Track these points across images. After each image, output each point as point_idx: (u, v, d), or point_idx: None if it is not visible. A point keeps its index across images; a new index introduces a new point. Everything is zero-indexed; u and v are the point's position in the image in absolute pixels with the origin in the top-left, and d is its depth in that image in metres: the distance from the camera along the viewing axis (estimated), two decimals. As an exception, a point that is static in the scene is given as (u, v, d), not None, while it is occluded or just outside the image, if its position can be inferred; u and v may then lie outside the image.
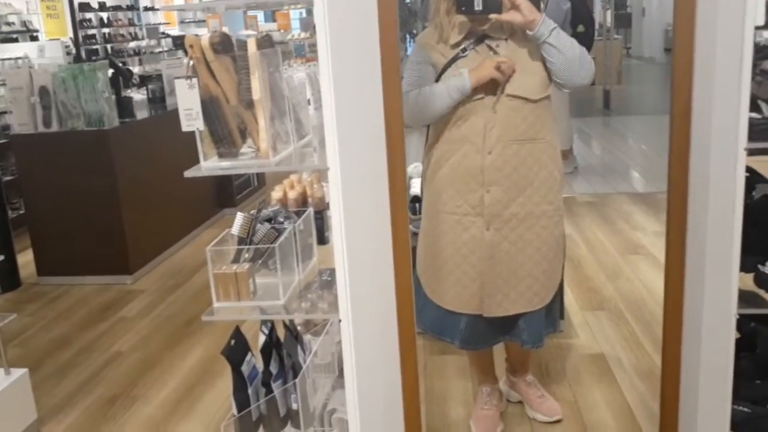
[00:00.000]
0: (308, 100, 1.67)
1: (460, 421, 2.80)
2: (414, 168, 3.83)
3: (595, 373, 3.11)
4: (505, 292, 2.40)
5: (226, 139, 1.49)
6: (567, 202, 5.61)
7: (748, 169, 1.74)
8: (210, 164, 1.50)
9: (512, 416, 2.79)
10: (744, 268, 1.51)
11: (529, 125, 2.31)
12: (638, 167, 7.20)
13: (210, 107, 1.45)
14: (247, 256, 1.64)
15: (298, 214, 1.83)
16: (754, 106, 1.35)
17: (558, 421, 2.72)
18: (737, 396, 1.51)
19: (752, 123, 1.30)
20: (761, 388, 1.61)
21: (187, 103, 1.40)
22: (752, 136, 1.30)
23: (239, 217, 1.66)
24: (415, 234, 2.68)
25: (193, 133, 1.47)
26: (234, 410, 1.69)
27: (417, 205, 3.40)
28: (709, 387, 1.42)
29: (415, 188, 3.56)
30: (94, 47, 11.12)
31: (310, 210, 1.84)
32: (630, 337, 3.42)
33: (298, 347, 1.76)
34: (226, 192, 5.93)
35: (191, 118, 1.40)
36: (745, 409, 1.55)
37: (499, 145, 2.30)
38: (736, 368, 1.48)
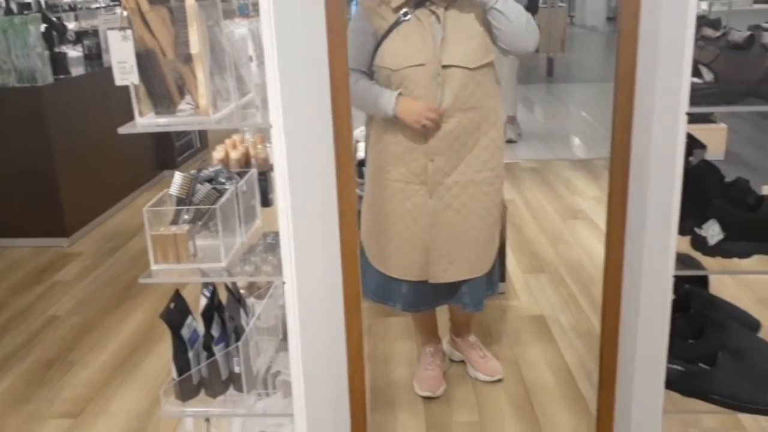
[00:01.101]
0: (250, 57, 1.62)
1: (404, 381, 2.83)
2: (360, 132, 3.80)
3: (536, 334, 3.18)
4: (450, 259, 2.42)
5: (163, 95, 1.43)
6: (510, 168, 5.69)
7: (687, 135, 1.78)
8: (146, 121, 1.44)
9: (455, 376, 2.84)
10: (681, 231, 1.54)
11: (470, 93, 2.30)
12: (579, 134, 7.31)
13: (145, 61, 1.39)
14: (186, 217, 1.60)
15: (241, 175, 1.79)
16: (696, 72, 1.37)
17: (499, 381, 2.78)
18: (671, 355, 1.56)
19: (694, 88, 1.32)
20: (694, 347, 1.66)
21: (121, 56, 1.34)
22: (693, 100, 1.32)
23: (178, 177, 1.61)
24: (360, 197, 2.67)
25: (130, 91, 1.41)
26: (174, 374, 1.66)
27: (362, 169, 3.38)
28: (646, 346, 1.46)
29: (361, 152, 3.54)
30: (26, 0, 10.58)
31: (254, 171, 1.80)
32: (569, 298, 3.50)
33: (241, 310, 1.73)
34: (167, 153, 5.78)
35: (125, 72, 1.34)
36: (679, 368, 1.60)
37: (447, 116, 2.29)
38: (671, 328, 1.52)
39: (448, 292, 2.52)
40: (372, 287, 2.57)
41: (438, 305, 2.62)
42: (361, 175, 3.55)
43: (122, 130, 1.42)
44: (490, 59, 2.32)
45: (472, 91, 2.30)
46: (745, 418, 2.48)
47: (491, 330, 3.20)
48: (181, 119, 1.43)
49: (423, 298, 2.53)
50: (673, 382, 1.58)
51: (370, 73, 2.38)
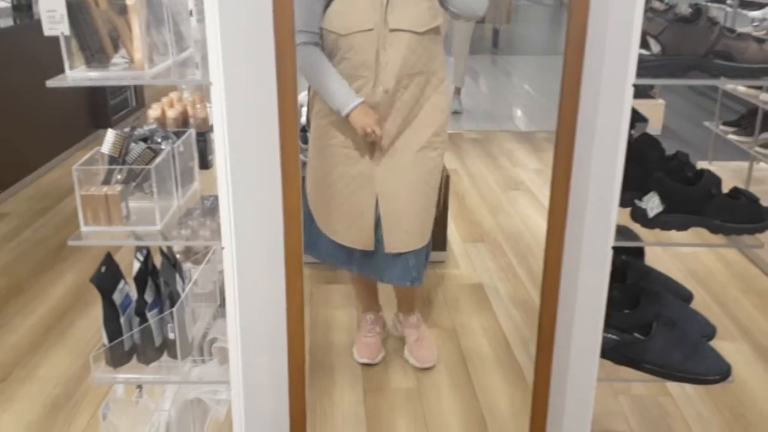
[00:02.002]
0: (190, 12, 1.54)
1: (343, 348, 2.83)
2: (303, 96, 3.72)
3: (474, 302, 3.21)
4: (405, 228, 2.39)
5: (95, 48, 1.35)
6: (453, 139, 5.70)
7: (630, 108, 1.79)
8: (77, 74, 1.35)
9: (394, 343, 2.85)
10: (621, 203, 1.56)
11: (417, 58, 2.27)
12: (522, 106, 7.38)
13: (77, 10, 1.30)
14: (119, 177, 1.52)
15: (178, 135, 1.71)
16: (644, 43, 1.37)
17: (430, 368, 2.68)
18: (607, 324, 1.59)
19: (641, 59, 1.32)
20: (628, 317, 1.69)
21: (50, 4, 1.25)
22: (640, 72, 1.32)
23: (110, 135, 1.53)
24: (304, 164, 2.62)
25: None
26: (105, 340, 1.60)
27: (306, 134, 3.32)
28: (583, 316, 1.47)
29: (304, 118, 3.47)
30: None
31: (192, 131, 1.73)
32: (507, 268, 3.55)
33: (176, 276, 1.68)
34: (101, 111, 5.56)
35: (54, 21, 1.25)
36: (614, 337, 1.63)
37: (393, 80, 2.26)
38: (607, 298, 1.54)
39: (394, 264, 2.48)
40: (325, 252, 2.54)
41: (386, 280, 2.54)
42: (304, 141, 3.50)
43: (51, 83, 1.33)
44: (437, 23, 2.29)
45: (419, 55, 2.27)
46: (672, 385, 2.58)
47: (431, 298, 3.22)
48: (114, 73, 1.36)
49: (374, 265, 2.50)
50: (607, 351, 1.62)
51: (320, 41, 2.32)
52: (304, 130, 2.94)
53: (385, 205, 2.37)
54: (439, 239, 3.33)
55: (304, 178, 2.58)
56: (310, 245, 2.59)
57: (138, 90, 6.03)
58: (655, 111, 5.58)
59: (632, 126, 1.79)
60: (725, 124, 3.93)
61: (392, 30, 2.21)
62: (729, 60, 1.37)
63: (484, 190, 4.64)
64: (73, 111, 5.29)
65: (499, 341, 2.91)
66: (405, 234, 2.39)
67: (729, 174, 3.98)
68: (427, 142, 2.38)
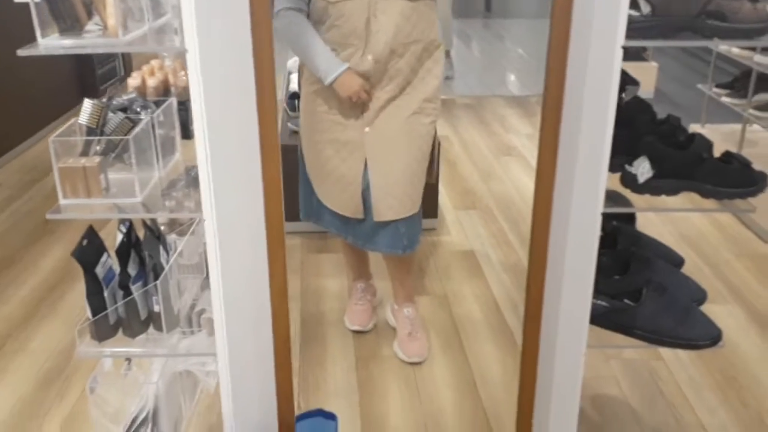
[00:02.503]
0: (167, -25, 1.49)
1: (335, 317, 2.83)
2: (294, 62, 3.66)
3: (465, 269, 3.20)
4: (395, 195, 2.36)
5: (67, 14, 1.30)
6: (446, 104, 5.64)
7: (621, 71, 1.75)
8: (49, 42, 1.31)
9: (386, 308, 2.84)
10: (611, 168, 1.53)
11: (413, 26, 2.23)
12: (515, 71, 7.30)
13: (46, -25, 1.26)
14: (98, 148, 1.49)
15: (159, 104, 1.67)
16: (634, 4, 1.33)
17: (418, 363, 2.55)
18: (596, 290, 1.57)
19: (631, 20, 1.28)
20: (619, 283, 1.68)
21: (18, -32, 1.20)
22: (630, 34, 1.28)
23: (87, 105, 1.49)
24: (296, 132, 2.58)
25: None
26: (89, 314, 1.58)
27: (297, 101, 3.26)
28: (572, 282, 1.46)
29: (295, 84, 3.42)
30: None
31: (172, 100, 1.69)
32: (499, 234, 3.53)
33: (160, 248, 1.65)
34: (89, 81, 5.48)
35: (23, -14, 1.21)
36: (604, 303, 1.62)
37: (387, 49, 2.21)
38: (597, 264, 1.52)
39: (384, 233, 2.45)
40: (328, 220, 2.52)
41: (376, 249, 2.50)
42: (294, 108, 3.45)
43: (22, 51, 1.29)
44: None
45: (415, 23, 2.23)
46: (664, 350, 2.58)
47: (422, 265, 3.21)
48: (88, 41, 1.31)
49: (365, 233, 2.48)
50: (597, 318, 1.60)
51: (305, 8, 2.26)
52: (297, 97, 2.89)
53: (375, 172, 2.34)
54: (430, 206, 3.31)
55: (297, 146, 2.55)
56: (312, 213, 2.57)
57: (126, 58, 5.94)
58: (647, 74, 5.52)
59: (623, 89, 1.76)
60: (718, 86, 3.89)
61: None
62: (722, 20, 1.34)
63: (476, 157, 4.60)
64: (61, 81, 5.22)
65: (490, 307, 2.91)
66: (394, 201, 2.36)
67: (722, 137, 3.95)
68: (419, 108, 2.34)
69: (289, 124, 3.43)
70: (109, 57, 5.69)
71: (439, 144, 2.55)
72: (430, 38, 2.30)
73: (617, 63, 1.27)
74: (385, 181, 2.34)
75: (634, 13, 1.33)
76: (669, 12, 1.33)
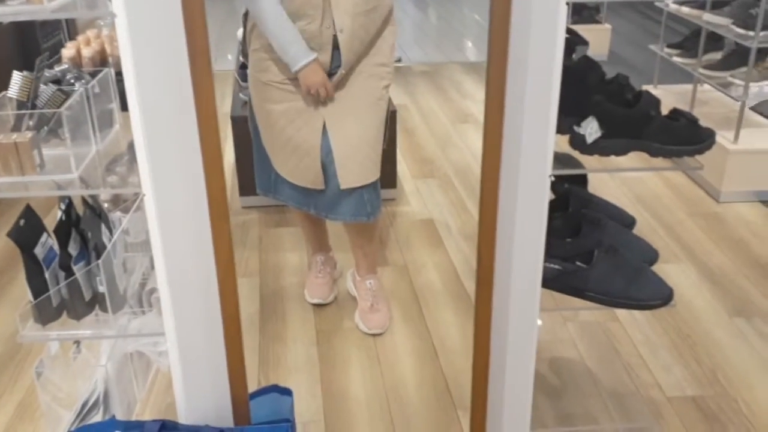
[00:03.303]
0: (95, -61, 1.42)
1: (294, 291, 2.80)
2: (241, 32, 3.57)
3: (425, 238, 3.19)
4: (359, 160, 2.32)
5: (-15, -19, 1.23)
6: (402, 72, 5.60)
7: (570, 31, 1.73)
8: (-33, 11, 1.23)
9: (345, 283, 2.82)
10: (560, 129, 1.51)
11: None
12: (471, 37, 7.27)
13: (-42, -62, 1.18)
14: (30, 123, 1.42)
15: (94, 75, 1.61)
16: (577, -40, 1.30)
17: (379, 334, 2.54)
18: (549, 254, 1.57)
19: (574, -23, 1.25)
20: (571, 246, 1.68)
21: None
22: (574, -9, 1.26)
23: (16, 77, 1.42)
24: (247, 104, 2.51)
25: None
26: (30, 297, 1.52)
27: (246, 71, 3.19)
28: (523, 246, 1.45)
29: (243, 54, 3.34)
30: None
31: (108, 70, 1.62)
32: (457, 202, 3.53)
33: (102, 225, 1.59)
34: (33, 55, 5.26)
35: (-68, -49, 1.13)
36: (556, 266, 1.62)
37: (348, 19, 2.16)
38: (549, 227, 1.51)
39: (347, 201, 2.39)
40: (287, 193, 2.46)
41: (341, 218, 2.44)
42: (245, 79, 3.37)
43: (-63, 21, 1.21)
44: None
45: None
46: (620, 311, 2.62)
47: (382, 235, 3.18)
48: (11, 8, 1.24)
49: (328, 203, 2.42)
50: (550, 281, 1.60)
51: None
52: (245, 67, 2.82)
53: (336, 139, 2.29)
54: (388, 176, 3.28)
55: (248, 118, 2.49)
56: (269, 187, 2.52)
57: (71, 30, 5.73)
58: (601, 36, 5.54)
59: (573, 50, 1.74)
60: (669, 46, 3.91)
61: None
62: (665, -25, 1.32)
63: (434, 125, 4.58)
64: (2, 57, 5.01)
65: (450, 276, 2.90)
66: (359, 166, 2.32)
67: (674, 97, 3.98)
68: (374, 72, 2.30)
69: (240, 95, 3.36)
70: (53, 29, 5.48)
71: (394, 111, 2.52)
72: (387, 4, 2.26)
73: (562, 21, 1.25)
74: (348, 147, 2.30)
75: (578, -31, 1.30)
76: (613, -32, 1.31)
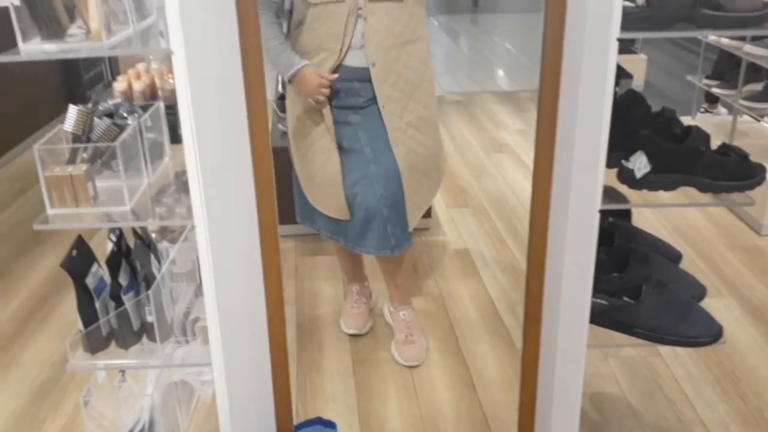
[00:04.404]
0: (151, -23, 1.46)
1: (331, 321, 2.80)
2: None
3: (460, 268, 3.18)
4: (418, 204, 2.36)
5: (49, 18, 1.27)
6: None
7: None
8: (31, 48, 1.27)
9: (381, 313, 2.82)
10: (608, 164, 1.51)
11: (404, 26, 2.20)
12: (504, 66, 7.29)
13: (26, -21, 1.22)
14: (84, 156, 1.45)
15: (146, 109, 1.64)
16: (628, -5, 1.31)
17: (416, 366, 2.53)
18: (595, 289, 1.55)
19: (626, 12, 1.26)
20: (617, 280, 1.66)
21: (-3, -27, 1.17)
22: (625, 25, 1.26)
23: (72, 111, 1.45)
24: (286, 134, 2.55)
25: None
26: (80, 326, 1.54)
27: (284, 102, 3.24)
28: (571, 281, 1.44)
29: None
30: None
31: (160, 104, 1.66)
32: (492, 232, 3.51)
33: (151, 256, 1.62)
34: (75, 87, 5.43)
35: (2, -9, 1.17)
36: (603, 302, 1.60)
37: (380, 53, 2.18)
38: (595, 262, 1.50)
39: (370, 234, 2.39)
40: (320, 223, 2.49)
41: (364, 250, 2.43)
42: (284, 110, 3.41)
43: (2, 57, 1.26)
44: None
45: (406, 23, 2.20)
46: (662, 346, 2.57)
47: (417, 265, 3.18)
48: (70, 45, 1.28)
49: (353, 235, 2.42)
50: (597, 316, 1.58)
51: (278, 11, 2.27)
52: (283, 97, 2.86)
53: (407, 184, 2.32)
54: (423, 206, 3.28)
55: (287, 148, 2.52)
56: (306, 216, 2.54)
57: (113, 62, 5.89)
58: (637, 66, 5.52)
59: (617, 83, 1.74)
60: (708, 77, 3.88)
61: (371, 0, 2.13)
62: (717, 9, 1.32)
63: (468, 154, 4.58)
64: (46, 87, 5.16)
65: (486, 307, 2.88)
66: (419, 210, 2.38)
67: (713, 128, 3.92)
68: (429, 113, 2.35)
69: (279, 126, 3.40)
70: (96, 62, 5.63)
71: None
72: (423, 35, 2.28)
73: (613, 56, 1.25)
74: (415, 194, 2.35)
75: (629, 4, 1.31)
76: (664, 3, 1.31)
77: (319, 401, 2.37)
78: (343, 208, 2.35)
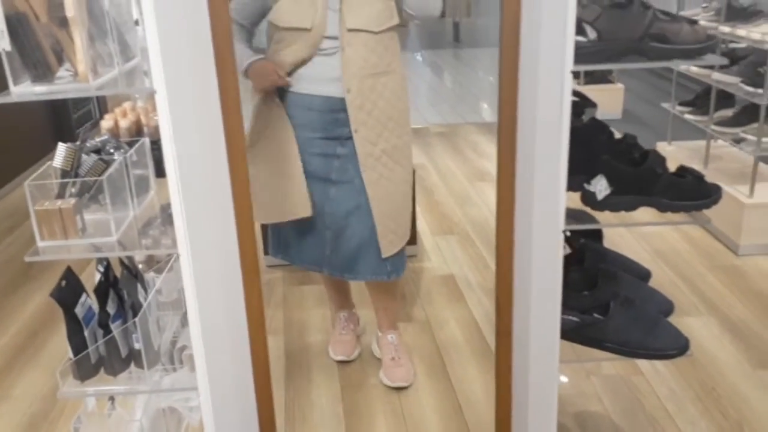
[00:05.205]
0: (135, 21, 1.55)
1: (319, 348, 2.85)
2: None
3: (445, 294, 3.24)
4: (393, 229, 2.42)
5: (38, 62, 1.35)
6: (420, 133, 5.74)
7: (579, 95, 1.83)
8: (22, 90, 1.35)
9: (369, 340, 2.87)
10: (572, 187, 1.59)
11: (378, 58, 2.29)
12: (486, 98, 7.43)
13: (17, 25, 1.30)
14: (73, 190, 1.53)
15: (131, 145, 1.72)
16: (580, 30, 1.40)
17: (404, 388, 2.59)
18: (567, 306, 1.62)
19: (578, 46, 1.35)
20: (588, 298, 1.73)
21: (-11, 20, 1.25)
22: (578, 59, 1.35)
23: (61, 149, 1.53)
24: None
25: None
26: (70, 354, 1.60)
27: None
28: (540, 299, 1.51)
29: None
30: None
31: (145, 140, 1.73)
32: (477, 258, 3.59)
33: (138, 285, 1.68)
34: (65, 125, 5.52)
35: (-6, 38, 1.25)
36: (574, 318, 1.67)
37: (355, 81, 2.27)
38: (566, 281, 1.57)
39: (366, 261, 2.45)
40: (294, 254, 2.55)
41: (360, 277, 2.51)
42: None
43: (-4, 99, 1.33)
44: (393, 23, 2.31)
45: (381, 55, 2.29)
46: (643, 364, 2.63)
47: (404, 291, 3.24)
48: (59, 87, 1.36)
49: (343, 263, 2.48)
50: (568, 332, 1.65)
51: (250, 27, 2.40)
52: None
53: (378, 213, 2.38)
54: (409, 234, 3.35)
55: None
56: (280, 249, 2.59)
57: (101, 102, 6.00)
58: (614, 95, 5.65)
59: (582, 111, 1.83)
60: (681, 104, 4.00)
61: (350, 30, 2.23)
62: (664, 42, 1.41)
63: (452, 183, 4.67)
64: (37, 127, 5.25)
65: (472, 330, 2.94)
66: (395, 236, 2.42)
67: (688, 153, 4.06)
68: (403, 143, 2.42)
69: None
70: (84, 101, 5.73)
71: (413, 171, 2.60)
72: (396, 70, 2.37)
73: (567, 87, 1.34)
74: (387, 219, 2.40)
75: (581, 39, 1.40)
76: (614, 36, 1.41)
77: (308, 428, 2.41)
78: (307, 202, 2.38)
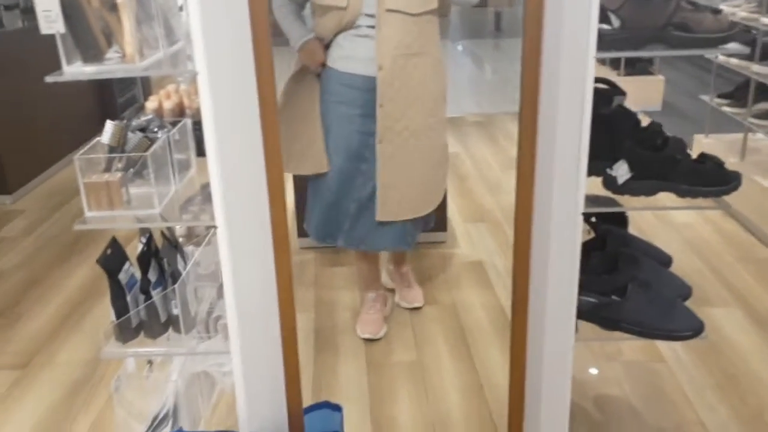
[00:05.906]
0: (180, 7, 1.64)
1: (347, 326, 2.94)
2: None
3: (473, 279, 3.30)
4: (398, 200, 2.52)
5: (90, 44, 1.45)
6: (456, 122, 5.78)
7: (608, 83, 1.87)
8: (73, 69, 1.45)
9: (395, 319, 2.95)
10: (596, 172, 1.65)
11: (413, 39, 2.36)
12: (526, 87, 7.41)
13: (70, 9, 1.40)
14: (119, 165, 1.63)
15: (175, 125, 1.82)
16: (604, 18, 1.45)
17: (418, 308, 3.03)
18: (586, 288, 1.67)
19: (601, 33, 1.40)
20: (607, 281, 1.78)
21: (46, 4, 1.35)
22: (601, 46, 1.40)
23: (109, 126, 1.63)
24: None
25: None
26: (113, 317, 1.71)
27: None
28: (557, 279, 1.56)
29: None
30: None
31: (187, 120, 1.83)
32: (506, 245, 3.63)
33: (178, 256, 1.78)
34: (110, 108, 5.69)
35: (50, 20, 1.35)
36: (592, 299, 1.72)
37: (388, 59, 2.34)
38: (587, 264, 1.63)
39: (389, 230, 2.60)
40: (315, 227, 2.67)
41: (381, 248, 2.71)
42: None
43: (49, 78, 1.44)
44: (432, 7, 2.38)
45: (416, 36, 2.37)
46: (665, 352, 2.66)
47: (432, 276, 3.31)
48: (108, 67, 1.46)
49: (365, 234, 2.62)
50: (586, 313, 1.70)
51: (302, 1, 2.52)
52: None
53: (388, 179, 2.50)
54: (439, 220, 3.42)
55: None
56: (323, 234, 2.73)
57: (145, 86, 6.16)
58: (654, 87, 5.61)
59: (610, 99, 1.87)
60: (720, 96, 3.98)
61: (388, 10, 2.31)
62: (686, 31, 1.45)
63: (485, 171, 4.72)
64: (84, 109, 5.43)
65: (497, 315, 3.00)
66: (398, 206, 2.54)
67: (725, 146, 4.03)
68: (429, 125, 2.51)
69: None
70: (129, 86, 5.90)
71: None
72: (431, 53, 2.44)
73: (590, 74, 1.39)
74: (396, 188, 2.52)
75: (605, 26, 1.45)
76: (637, 25, 1.45)
77: (333, 398, 2.49)
78: (323, 160, 2.55)
